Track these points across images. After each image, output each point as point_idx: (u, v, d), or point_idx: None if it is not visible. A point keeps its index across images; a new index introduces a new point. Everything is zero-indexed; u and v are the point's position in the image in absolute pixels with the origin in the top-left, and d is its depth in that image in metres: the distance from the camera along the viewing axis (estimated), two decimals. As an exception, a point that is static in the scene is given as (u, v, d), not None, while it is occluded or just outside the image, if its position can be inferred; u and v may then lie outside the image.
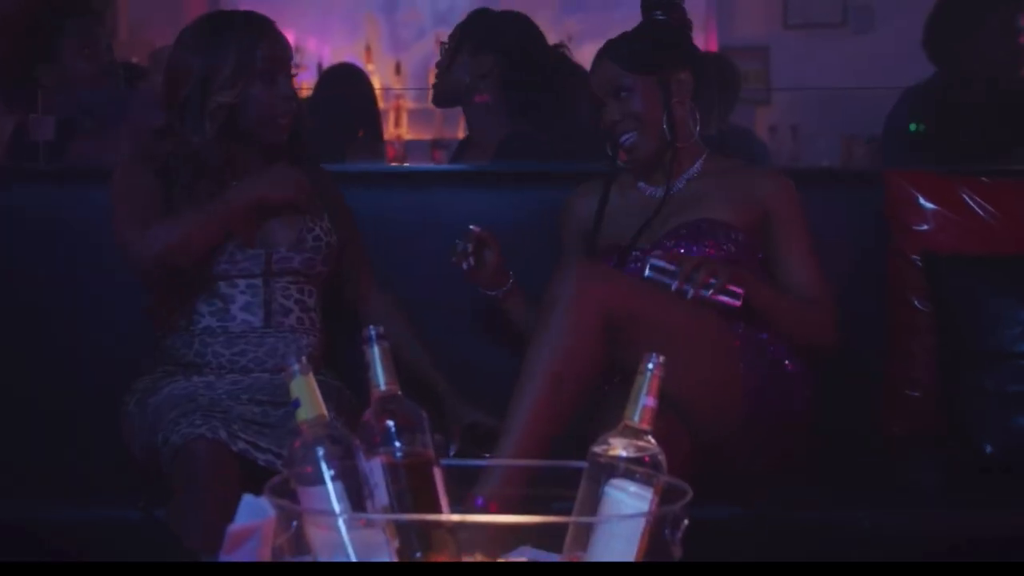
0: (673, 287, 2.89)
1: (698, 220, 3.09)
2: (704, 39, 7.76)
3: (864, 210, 3.41)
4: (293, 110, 3.13)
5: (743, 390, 2.90)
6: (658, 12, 3.21)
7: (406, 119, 8.12)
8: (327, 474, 1.95)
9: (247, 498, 1.97)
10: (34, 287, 3.41)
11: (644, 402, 2.01)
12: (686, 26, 3.24)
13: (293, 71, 3.14)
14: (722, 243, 3.06)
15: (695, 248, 3.05)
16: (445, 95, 4.07)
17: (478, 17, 4.08)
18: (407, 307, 3.29)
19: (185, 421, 2.83)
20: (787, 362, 2.99)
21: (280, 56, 3.11)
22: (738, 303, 2.91)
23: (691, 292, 2.88)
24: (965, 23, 4.35)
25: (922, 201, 3.35)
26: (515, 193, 3.46)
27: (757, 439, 2.91)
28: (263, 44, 3.09)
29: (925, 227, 3.34)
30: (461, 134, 7.91)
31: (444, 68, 4.01)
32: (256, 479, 2.75)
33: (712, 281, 2.89)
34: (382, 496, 1.98)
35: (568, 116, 4.05)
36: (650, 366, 2.01)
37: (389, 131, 8.17)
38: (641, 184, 3.23)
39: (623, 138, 3.16)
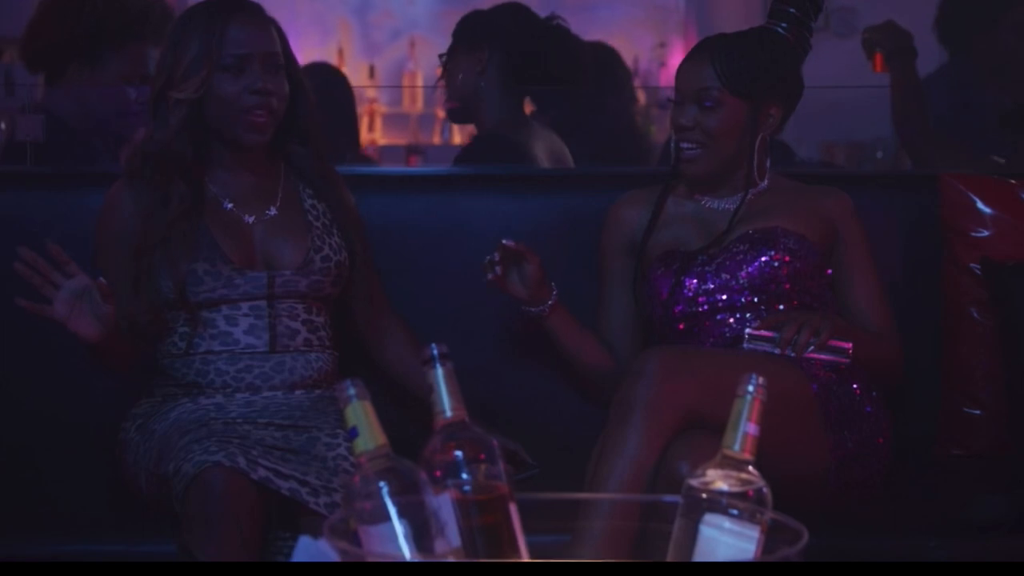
0: (776, 353, 2.78)
1: (771, 227, 2.94)
2: (684, 42, 7.65)
3: (918, 216, 3.25)
4: (271, 106, 2.83)
5: (828, 451, 2.76)
6: (783, 24, 3.00)
7: (380, 123, 7.94)
8: (393, 511, 1.75)
9: (304, 540, 1.79)
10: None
11: (745, 429, 1.83)
12: (802, 49, 3.06)
13: (277, 62, 2.85)
14: (794, 250, 2.91)
15: (768, 254, 2.90)
16: (457, 109, 3.96)
17: (467, 17, 3.98)
18: (415, 327, 3.09)
19: (198, 448, 2.59)
20: (868, 408, 2.84)
21: (250, 44, 2.82)
22: (847, 359, 2.80)
23: (793, 356, 2.77)
24: (983, 14, 4.21)
25: (980, 205, 3.20)
26: (542, 198, 3.29)
27: (839, 490, 2.78)
28: (230, 31, 2.81)
29: (984, 233, 3.19)
30: (437, 139, 7.83)
31: (448, 80, 3.92)
32: (279, 510, 2.57)
33: (813, 340, 2.77)
34: (453, 536, 1.79)
35: (583, 103, 4.01)
36: (750, 388, 1.83)
37: (363, 136, 7.99)
38: (698, 196, 3.05)
39: (685, 147, 2.97)
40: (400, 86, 8.17)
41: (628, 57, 7.65)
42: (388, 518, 1.75)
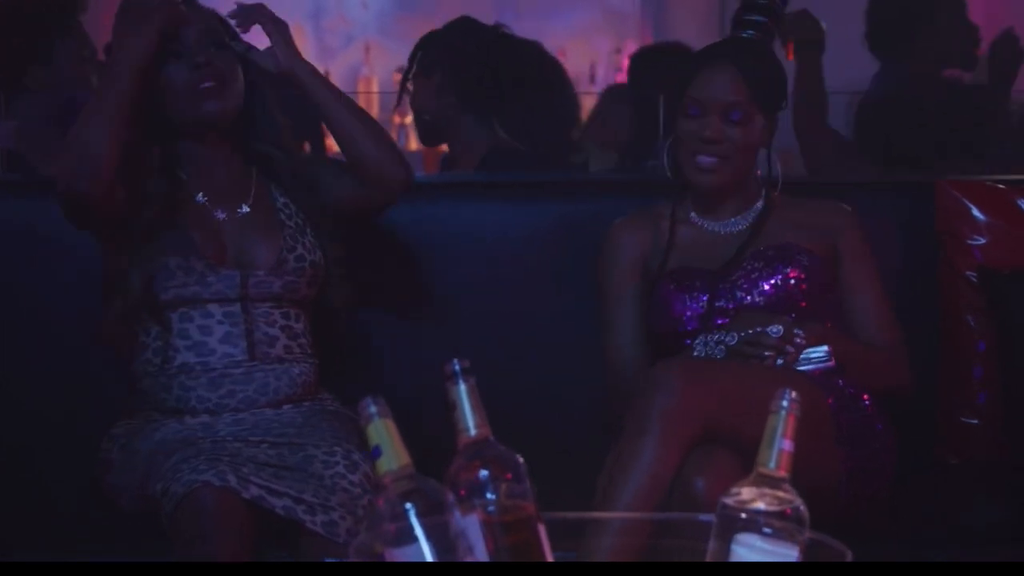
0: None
1: (784, 243, 2.89)
2: (640, 47, 7.65)
3: (913, 223, 3.22)
4: (220, 77, 2.78)
5: (840, 462, 2.72)
6: (750, 31, 2.94)
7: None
8: (420, 533, 1.70)
9: (329, 564, 1.72)
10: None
11: (780, 445, 1.79)
12: None
13: (218, 39, 2.81)
14: (808, 267, 2.86)
15: (784, 271, 2.85)
16: (427, 133, 3.95)
17: (421, 41, 3.95)
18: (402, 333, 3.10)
19: (187, 467, 2.53)
20: (879, 426, 2.80)
21: (183, 19, 2.78)
22: (831, 362, 2.75)
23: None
24: (916, 14, 4.21)
25: (976, 212, 3.16)
26: (539, 204, 3.26)
27: (849, 501, 2.73)
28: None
29: (980, 240, 3.16)
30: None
31: (412, 102, 3.90)
32: (273, 530, 2.51)
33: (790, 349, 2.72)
34: (481, 556, 1.75)
35: (545, 108, 4.02)
36: (784, 404, 1.80)
37: (319, 141, 7.93)
38: (694, 215, 2.99)
39: (704, 159, 2.88)
40: (355, 92, 8.11)
41: (585, 63, 7.64)
42: (415, 540, 1.70)
